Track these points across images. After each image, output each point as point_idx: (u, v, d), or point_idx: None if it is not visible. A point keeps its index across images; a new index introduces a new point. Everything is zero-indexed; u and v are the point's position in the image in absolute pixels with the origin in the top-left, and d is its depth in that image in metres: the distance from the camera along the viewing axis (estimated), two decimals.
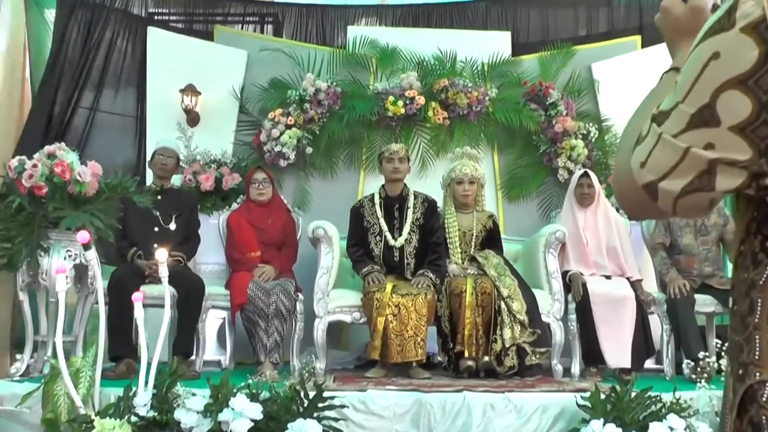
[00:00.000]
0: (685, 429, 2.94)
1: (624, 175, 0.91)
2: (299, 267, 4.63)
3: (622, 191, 0.94)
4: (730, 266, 4.69)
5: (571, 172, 5.36)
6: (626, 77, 5.78)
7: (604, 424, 2.90)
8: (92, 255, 3.29)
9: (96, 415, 2.95)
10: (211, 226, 4.94)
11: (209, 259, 5.06)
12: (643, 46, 6.08)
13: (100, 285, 3.40)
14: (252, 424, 2.90)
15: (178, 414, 2.97)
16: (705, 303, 4.42)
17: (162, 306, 4.12)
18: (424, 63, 5.71)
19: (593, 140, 5.56)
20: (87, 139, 5.95)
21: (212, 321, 5.04)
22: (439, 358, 4.37)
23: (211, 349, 5.10)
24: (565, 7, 6.44)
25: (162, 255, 3.31)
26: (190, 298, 4.14)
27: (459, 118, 5.55)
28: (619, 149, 1.01)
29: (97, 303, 3.84)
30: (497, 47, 5.85)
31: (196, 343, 4.30)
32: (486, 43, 5.88)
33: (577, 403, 3.05)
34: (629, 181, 0.89)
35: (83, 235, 3.10)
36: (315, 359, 4.00)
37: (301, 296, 4.35)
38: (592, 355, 4.23)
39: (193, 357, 4.30)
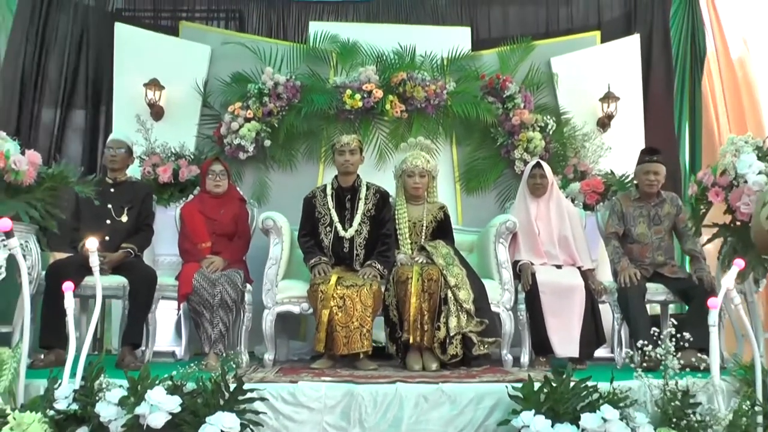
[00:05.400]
0: (621, 419, 2.62)
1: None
2: (254, 258, 4.29)
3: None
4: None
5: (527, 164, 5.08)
6: (585, 71, 5.60)
7: (535, 415, 2.59)
8: (15, 243, 2.94)
9: (14, 410, 2.66)
10: (169, 218, 4.61)
11: (166, 250, 4.74)
12: (602, 41, 5.83)
13: (25, 274, 3.05)
14: (170, 417, 2.58)
15: (99, 407, 2.66)
16: (657, 291, 4.09)
17: (115, 297, 3.93)
18: (384, 57, 5.43)
19: (551, 132, 5.27)
20: (62, 137, 5.70)
21: (169, 312, 4.74)
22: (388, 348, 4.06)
23: (167, 340, 4.80)
24: (526, 3, 6.15)
25: (92, 244, 2.99)
26: (141, 289, 3.84)
27: (417, 111, 5.27)
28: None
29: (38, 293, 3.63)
30: (457, 42, 5.58)
31: (146, 334, 3.97)
32: (446, 38, 5.62)
33: (508, 394, 2.73)
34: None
35: (4, 223, 2.79)
36: (265, 350, 3.77)
37: (250, 287, 4.01)
38: (541, 345, 3.89)
39: (143, 348, 3.97)
